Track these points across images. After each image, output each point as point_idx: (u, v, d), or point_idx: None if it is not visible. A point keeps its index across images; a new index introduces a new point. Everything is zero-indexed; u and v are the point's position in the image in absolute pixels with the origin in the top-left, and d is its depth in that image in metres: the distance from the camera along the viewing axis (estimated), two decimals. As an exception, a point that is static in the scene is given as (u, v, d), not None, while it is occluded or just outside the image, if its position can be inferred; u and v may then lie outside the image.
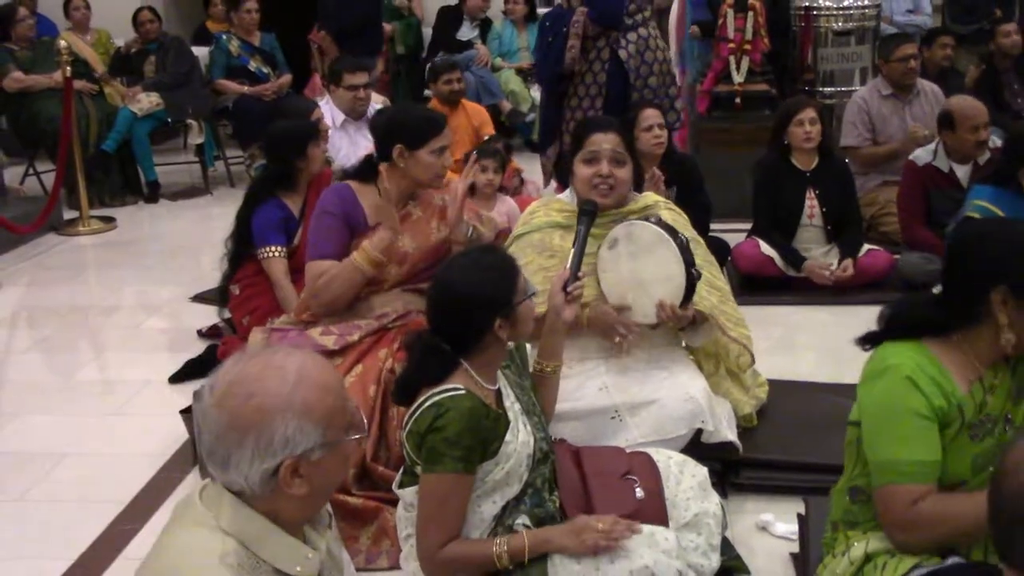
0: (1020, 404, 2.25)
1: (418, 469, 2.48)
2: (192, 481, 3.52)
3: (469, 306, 2.48)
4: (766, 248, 5.23)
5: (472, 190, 5.32)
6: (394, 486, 2.67)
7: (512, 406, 2.60)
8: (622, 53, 5.67)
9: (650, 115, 4.90)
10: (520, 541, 2.45)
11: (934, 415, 2.17)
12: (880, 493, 2.24)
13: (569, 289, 2.83)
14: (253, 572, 1.62)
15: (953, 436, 2.20)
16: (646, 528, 2.50)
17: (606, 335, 3.24)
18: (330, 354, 3.28)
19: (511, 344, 2.55)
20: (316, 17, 8.52)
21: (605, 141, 3.26)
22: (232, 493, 1.65)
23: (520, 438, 2.54)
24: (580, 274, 2.90)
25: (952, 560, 2.14)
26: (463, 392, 2.44)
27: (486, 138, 6.71)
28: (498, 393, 2.59)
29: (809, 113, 5.13)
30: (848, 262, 5.12)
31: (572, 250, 2.99)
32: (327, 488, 1.73)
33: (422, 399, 2.46)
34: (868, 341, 2.32)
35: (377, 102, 5.98)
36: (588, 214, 3.12)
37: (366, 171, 3.50)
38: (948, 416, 2.19)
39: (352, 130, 5.67)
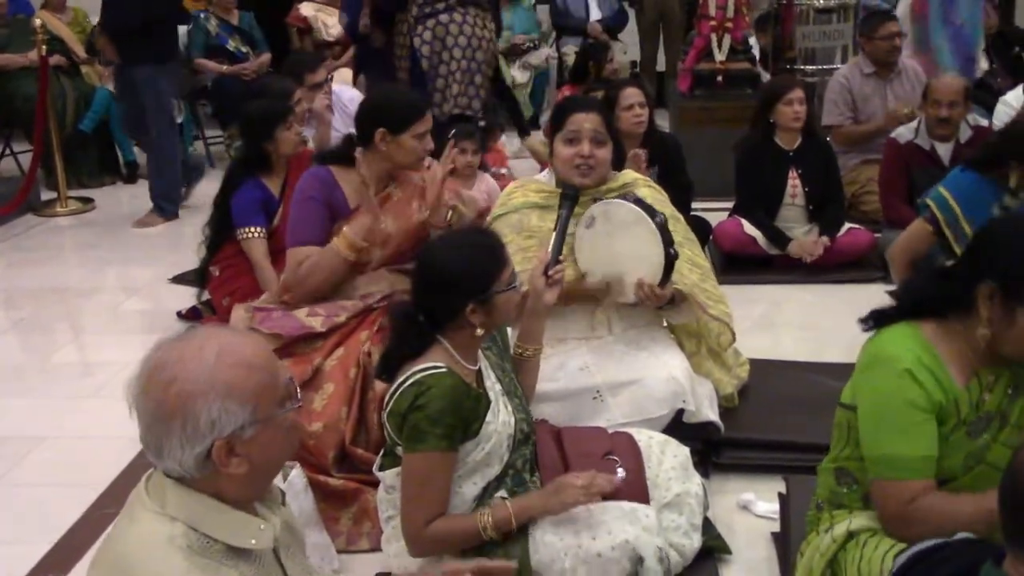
0: (1016, 402, 2.23)
1: (399, 450, 2.47)
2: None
3: (446, 284, 2.46)
4: (749, 228, 5.23)
5: (451, 170, 5.33)
6: (375, 468, 2.67)
7: (493, 386, 2.59)
8: (416, 40, 5.80)
9: (631, 94, 4.88)
10: (504, 511, 2.45)
11: (932, 408, 2.16)
12: (877, 486, 2.23)
13: (550, 272, 2.83)
14: (205, 553, 1.60)
15: (949, 432, 2.18)
16: (627, 505, 2.51)
17: (597, 295, 3.22)
18: (316, 336, 3.27)
19: (480, 332, 2.52)
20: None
21: (586, 121, 3.23)
22: (173, 479, 1.63)
23: (500, 418, 2.53)
24: (561, 257, 2.90)
25: (960, 536, 2.12)
26: (444, 370, 2.43)
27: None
28: (479, 373, 2.58)
29: (798, 93, 5.13)
30: (824, 239, 5.12)
31: (553, 233, 2.98)
32: (270, 463, 1.70)
33: (402, 378, 2.44)
34: (873, 321, 2.30)
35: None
36: (570, 198, 3.12)
37: (346, 154, 3.47)
38: (945, 412, 2.17)
39: None
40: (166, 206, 6.76)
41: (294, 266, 3.40)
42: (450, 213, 3.48)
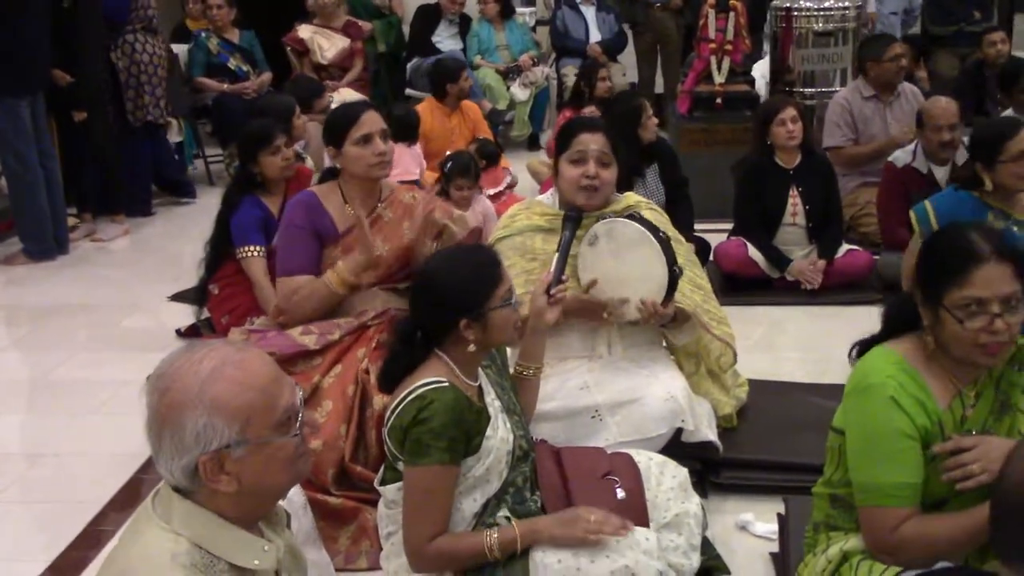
0: (1002, 420, 2.24)
1: (400, 465, 2.47)
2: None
3: (440, 300, 2.49)
4: (753, 251, 5.24)
5: (447, 197, 5.36)
6: (376, 482, 2.66)
7: (492, 403, 2.59)
8: (112, 56, 6.91)
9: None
10: (511, 532, 2.44)
11: (917, 434, 2.17)
12: (864, 513, 2.25)
13: (552, 292, 2.83)
14: (208, 571, 1.60)
15: (934, 455, 2.19)
16: (627, 528, 2.50)
17: (592, 316, 3.22)
18: (311, 354, 3.28)
19: (473, 348, 2.52)
20: (295, 15, 8.52)
21: (592, 142, 3.23)
22: (178, 492, 1.64)
23: (499, 434, 2.54)
24: (563, 277, 2.91)
25: (940, 565, 2.14)
26: (446, 384, 2.43)
27: (479, 138, 6.80)
28: (479, 389, 2.58)
29: (790, 112, 5.16)
30: (822, 262, 5.15)
31: (556, 254, 2.99)
32: (261, 487, 1.67)
33: (404, 393, 2.45)
34: (858, 353, 2.32)
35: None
36: (573, 220, 3.12)
37: (329, 178, 3.56)
38: (930, 435, 2.19)
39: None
40: (30, 247, 6.40)
41: (286, 296, 3.43)
42: (434, 245, 3.48)
